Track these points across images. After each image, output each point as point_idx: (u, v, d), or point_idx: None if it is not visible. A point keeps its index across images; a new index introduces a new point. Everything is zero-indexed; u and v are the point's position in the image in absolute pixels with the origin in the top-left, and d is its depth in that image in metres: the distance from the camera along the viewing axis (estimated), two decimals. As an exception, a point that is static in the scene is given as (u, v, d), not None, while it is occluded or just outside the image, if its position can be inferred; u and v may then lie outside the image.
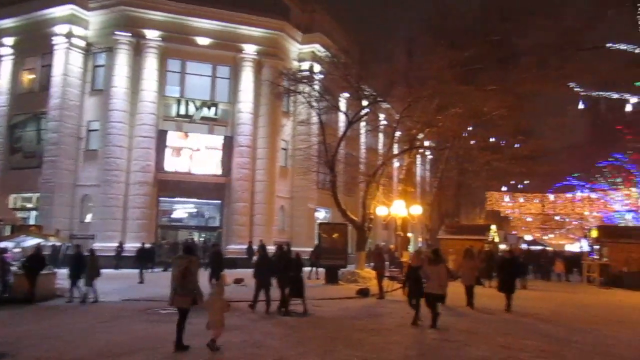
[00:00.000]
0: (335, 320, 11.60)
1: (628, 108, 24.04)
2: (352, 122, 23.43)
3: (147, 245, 23.46)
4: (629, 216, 41.12)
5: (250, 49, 29.79)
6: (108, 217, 26.80)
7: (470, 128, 28.07)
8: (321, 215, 33.72)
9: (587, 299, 18.10)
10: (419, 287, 11.01)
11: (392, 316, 12.19)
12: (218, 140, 29.33)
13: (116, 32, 27.80)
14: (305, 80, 23.54)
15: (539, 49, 25.37)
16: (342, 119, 28.05)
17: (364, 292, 16.63)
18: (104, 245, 24.50)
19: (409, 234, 36.26)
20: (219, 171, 29.16)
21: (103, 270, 14.80)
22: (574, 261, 30.45)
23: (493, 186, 42.80)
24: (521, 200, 61.43)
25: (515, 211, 63.11)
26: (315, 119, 24.75)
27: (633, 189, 39.51)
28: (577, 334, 10.64)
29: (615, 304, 16.82)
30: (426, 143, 30.33)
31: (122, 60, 27.80)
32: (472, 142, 29.17)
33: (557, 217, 62.79)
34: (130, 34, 27.87)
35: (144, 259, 21.37)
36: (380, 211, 24.64)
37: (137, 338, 9.11)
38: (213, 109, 29.36)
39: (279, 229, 30.79)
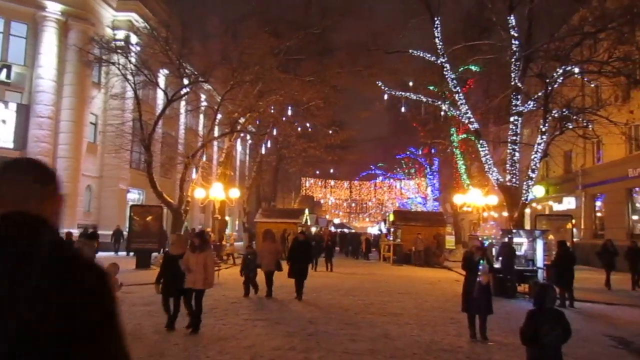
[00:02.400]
0: (144, 306, 11.15)
1: (423, 108, 27.59)
2: (171, 100, 22.53)
3: None
4: (419, 201, 47.35)
5: (53, 7, 26.34)
6: None
7: (290, 115, 29.25)
8: (134, 196, 31.83)
9: (381, 275, 20.46)
10: (177, 282, 8.59)
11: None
12: (10, 107, 25.48)
13: None
14: (119, 51, 21.83)
15: (353, 47, 27.54)
16: (160, 96, 26.77)
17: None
18: None
19: (227, 217, 36.43)
20: (10, 144, 25.39)
21: None
22: (374, 242, 34.09)
23: (308, 172, 45.28)
24: (332, 185, 66.19)
25: (327, 196, 67.79)
26: (130, 94, 23.17)
27: (423, 179, 45.53)
28: (372, 306, 12.02)
29: (403, 278, 19.34)
30: (247, 127, 30.71)
31: None
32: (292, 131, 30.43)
33: (362, 203, 69.30)
34: None
35: None
36: (198, 194, 24.29)
37: None
38: (4, 71, 25.29)
39: (85, 211, 28.18)
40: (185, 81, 22.63)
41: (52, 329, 1.14)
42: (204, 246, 8.97)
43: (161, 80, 25.23)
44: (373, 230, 57.94)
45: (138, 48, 23.46)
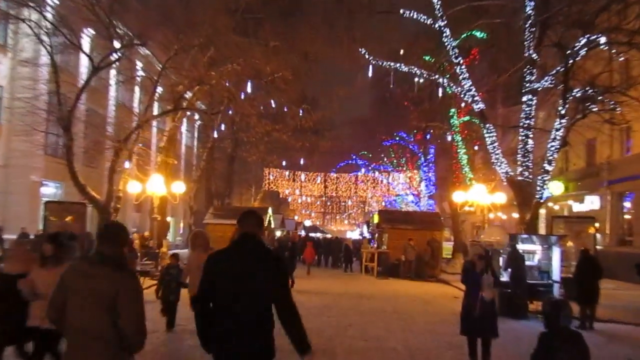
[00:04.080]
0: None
1: (416, 83, 27.68)
2: (98, 69, 22.12)
3: None
4: (410, 199, 47.53)
5: (-55, -54, 25.61)
6: None
7: (250, 90, 29.06)
8: (50, 191, 31.28)
9: (362, 291, 20.64)
10: (15, 319, 6.66)
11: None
12: None
13: None
14: (32, 4, 21.34)
15: (329, 4, 27.47)
16: (85, 63, 26.29)
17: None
18: None
19: (169, 218, 36.16)
20: None
21: None
22: (355, 249, 34.18)
23: (272, 162, 45.09)
24: (302, 178, 66.33)
25: (296, 192, 67.86)
26: (45, 59, 22.67)
27: (415, 172, 45.60)
28: (351, 328, 12.16)
29: (389, 294, 19.56)
30: (196, 104, 30.43)
31: None
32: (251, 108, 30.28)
33: (340, 200, 69.63)
34: None
35: None
36: (133, 188, 24.03)
37: None
38: None
39: (-15, 208, 27.57)
40: (117, 44, 22.28)
41: (270, 277, 4.33)
42: (61, 257, 6.70)
43: (85, 43, 24.77)
44: (353, 234, 58.33)
45: (56, 1, 23.01)
